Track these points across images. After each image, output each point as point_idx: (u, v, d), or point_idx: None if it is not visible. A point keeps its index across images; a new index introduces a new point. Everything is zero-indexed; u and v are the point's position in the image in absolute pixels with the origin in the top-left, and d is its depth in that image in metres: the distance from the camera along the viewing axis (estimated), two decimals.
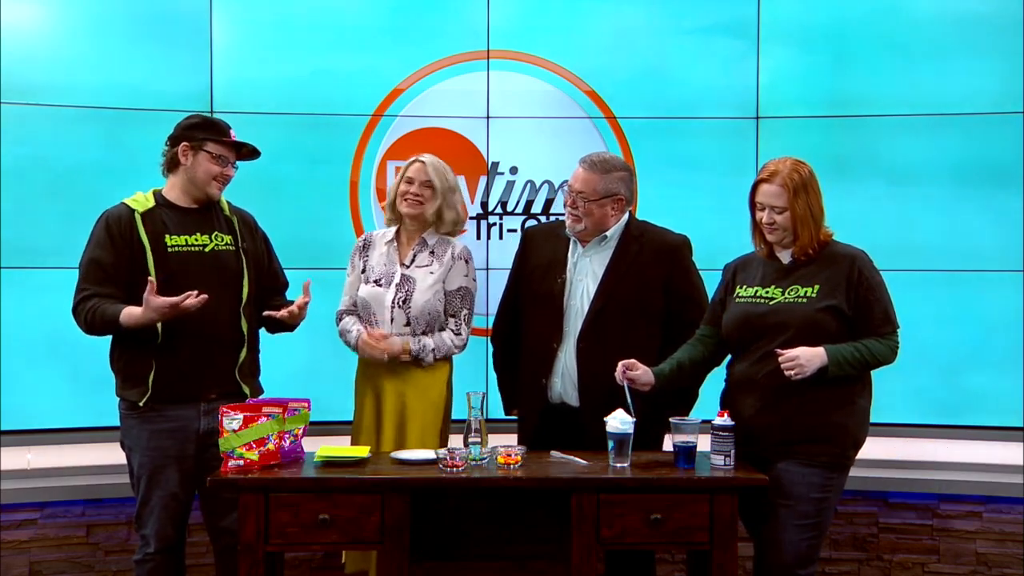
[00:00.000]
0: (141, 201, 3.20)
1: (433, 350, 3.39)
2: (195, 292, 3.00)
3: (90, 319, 3.10)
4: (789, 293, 3.01)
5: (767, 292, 3.05)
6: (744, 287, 3.11)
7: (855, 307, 2.96)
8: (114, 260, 3.13)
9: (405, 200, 3.43)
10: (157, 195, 3.24)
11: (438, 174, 3.43)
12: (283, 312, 3.22)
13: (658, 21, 4.16)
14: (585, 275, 3.31)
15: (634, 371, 3.06)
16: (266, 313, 3.25)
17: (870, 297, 2.96)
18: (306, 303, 3.24)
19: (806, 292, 2.99)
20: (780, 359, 2.90)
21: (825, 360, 2.90)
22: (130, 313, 3.04)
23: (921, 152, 4.05)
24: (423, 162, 3.45)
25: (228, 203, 3.32)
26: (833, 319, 2.95)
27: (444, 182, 3.44)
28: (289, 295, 3.42)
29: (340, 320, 3.51)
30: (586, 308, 3.27)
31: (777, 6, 4.12)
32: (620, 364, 3.07)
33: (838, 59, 4.10)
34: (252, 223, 3.37)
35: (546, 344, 3.30)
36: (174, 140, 3.22)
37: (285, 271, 3.46)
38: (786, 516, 2.94)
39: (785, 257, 3.07)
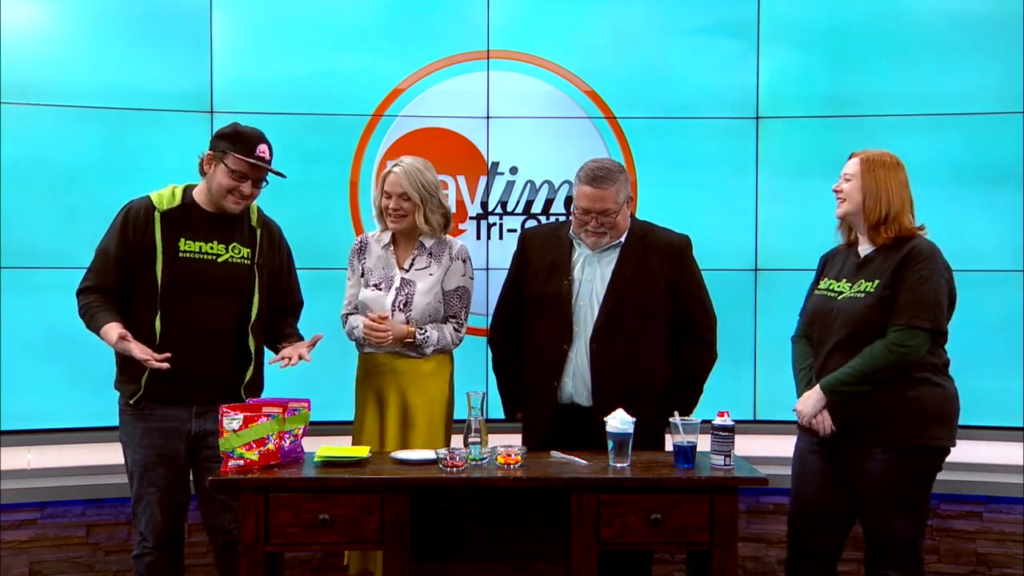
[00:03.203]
0: (166, 198, 3.18)
1: (435, 344, 3.39)
2: (165, 357, 3.01)
3: (83, 314, 3.15)
4: (854, 288, 3.02)
5: (838, 286, 3.07)
6: (825, 279, 3.15)
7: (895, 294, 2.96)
8: (120, 253, 3.13)
9: (389, 216, 3.40)
10: (186, 194, 3.21)
11: (412, 182, 3.35)
12: (285, 358, 3.20)
13: (658, 21, 4.15)
14: (593, 276, 3.31)
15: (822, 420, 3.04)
16: (271, 361, 3.25)
17: (901, 287, 2.93)
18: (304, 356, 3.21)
19: (866, 288, 2.99)
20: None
21: (821, 395, 2.97)
22: (106, 332, 3.07)
23: (921, 152, 4.03)
24: (396, 172, 3.37)
25: (259, 211, 3.31)
26: (884, 313, 2.95)
27: (421, 189, 3.35)
28: (305, 325, 3.39)
29: (345, 322, 3.50)
30: (595, 309, 3.27)
31: (777, 6, 4.12)
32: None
33: (838, 59, 4.10)
34: (277, 236, 3.34)
35: (556, 346, 3.29)
36: (210, 145, 3.20)
37: None
38: (883, 503, 2.97)
39: (864, 250, 3.08)
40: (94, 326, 3.12)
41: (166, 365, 3.01)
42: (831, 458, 3.05)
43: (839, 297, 3.04)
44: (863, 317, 2.96)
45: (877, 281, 2.97)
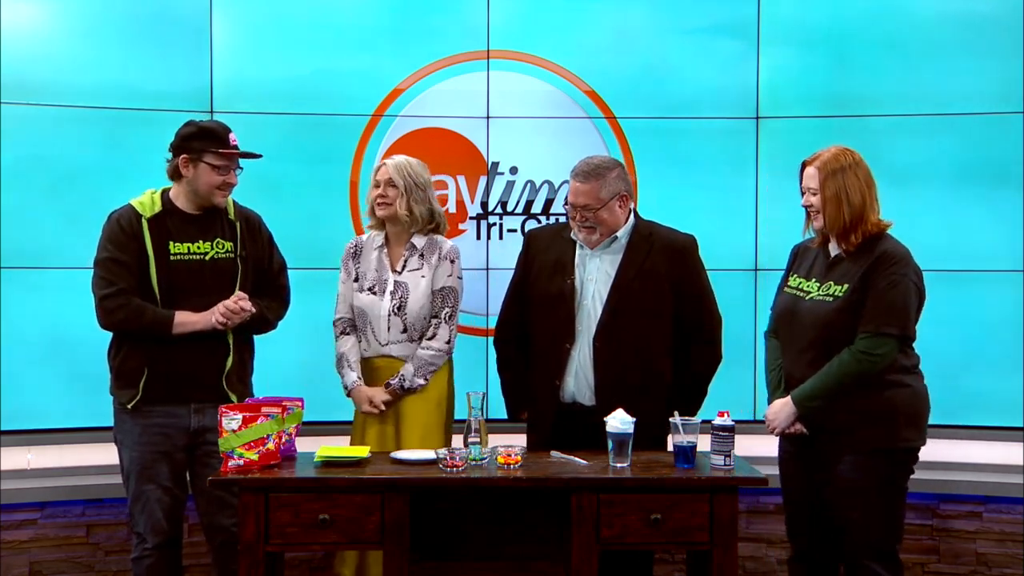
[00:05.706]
0: (148, 205, 3.19)
1: (416, 374, 3.40)
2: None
3: (123, 317, 3.11)
4: (823, 290, 3.00)
5: (808, 286, 3.05)
6: (795, 276, 3.13)
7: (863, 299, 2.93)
8: (129, 259, 3.14)
9: (377, 204, 3.46)
10: (164, 198, 3.23)
11: (400, 172, 3.42)
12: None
13: (658, 21, 4.15)
14: (595, 275, 3.30)
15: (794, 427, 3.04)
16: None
17: (870, 292, 2.92)
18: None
19: (835, 291, 2.97)
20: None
21: (793, 408, 2.96)
22: (186, 318, 3.11)
23: (921, 152, 4.04)
24: (386, 164, 3.47)
25: (235, 204, 3.31)
26: (852, 317, 2.93)
27: (408, 179, 3.42)
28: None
29: (338, 332, 3.51)
30: (599, 308, 3.27)
31: (777, 6, 4.12)
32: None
33: (838, 59, 4.10)
34: (256, 225, 3.35)
35: (558, 345, 3.29)
36: (174, 150, 3.21)
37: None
38: (855, 507, 2.94)
39: (834, 249, 3.05)
40: (153, 320, 3.11)
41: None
42: (809, 461, 3.04)
43: (807, 297, 3.03)
44: (831, 321, 2.94)
45: (846, 285, 2.95)
